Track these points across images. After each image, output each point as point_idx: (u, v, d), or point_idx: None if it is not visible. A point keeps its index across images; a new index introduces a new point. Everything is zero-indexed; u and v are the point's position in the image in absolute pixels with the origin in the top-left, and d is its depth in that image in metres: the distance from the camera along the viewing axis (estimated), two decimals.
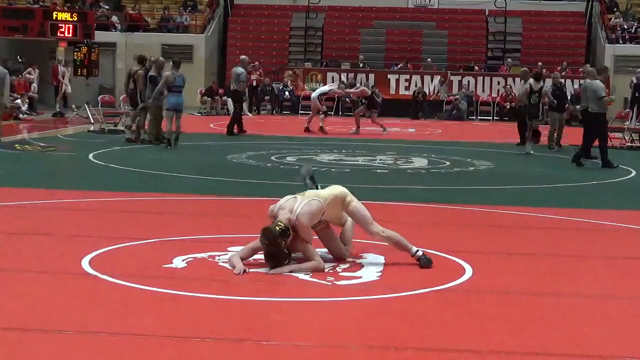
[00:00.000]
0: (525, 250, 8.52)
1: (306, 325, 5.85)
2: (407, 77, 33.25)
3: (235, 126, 22.23)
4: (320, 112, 24.01)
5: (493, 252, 8.42)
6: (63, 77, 28.64)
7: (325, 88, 25.45)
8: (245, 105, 31.04)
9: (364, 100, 24.94)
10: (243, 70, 22.53)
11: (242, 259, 7.35)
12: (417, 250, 7.64)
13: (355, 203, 7.70)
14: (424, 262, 7.56)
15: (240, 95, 22.68)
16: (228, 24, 36.45)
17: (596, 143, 16.81)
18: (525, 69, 24.55)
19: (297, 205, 7.39)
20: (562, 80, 22.69)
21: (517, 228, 10.02)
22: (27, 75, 28.11)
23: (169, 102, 18.26)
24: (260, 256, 7.69)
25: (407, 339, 5.55)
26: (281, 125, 26.94)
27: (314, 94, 24.57)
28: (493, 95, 32.19)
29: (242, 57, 23.52)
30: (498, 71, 33.65)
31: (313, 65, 34.45)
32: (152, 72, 19.07)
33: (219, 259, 7.63)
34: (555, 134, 20.33)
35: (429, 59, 34.35)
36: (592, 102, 16.62)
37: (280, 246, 7.22)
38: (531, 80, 19.32)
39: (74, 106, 27.97)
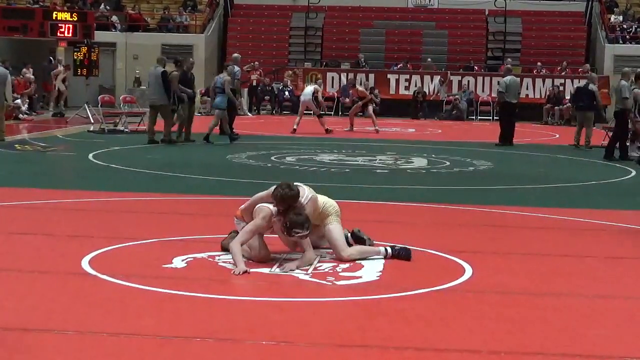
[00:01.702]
0: (524, 250, 8.53)
1: (306, 325, 5.85)
2: (407, 77, 33.24)
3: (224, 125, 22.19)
4: (316, 114, 24.10)
5: (493, 252, 8.42)
6: (56, 77, 28.68)
7: (311, 88, 25.26)
8: (245, 105, 31.12)
9: (356, 99, 25.12)
10: (239, 68, 22.54)
11: (242, 244, 7.40)
12: (388, 249, 7.77)
13: (333, 225, 7.76)
14: (404, 254, 7.70)
15: (234, 94, 22.65)
16: (228, 23, 36.44)
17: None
18: (508, 66, 24.81)
19: (307, 194, 7.64)
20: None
21: (516, 228, 10.02)
22: (27, 75, 28.09)
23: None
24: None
25: (407, 339, 5.55)
26: (281, 125, 26.92)
27: (308, 97, 24.38)
28: (493, 95, 32.16)
29: (235, 55, 23.51)
30: (498, 71, 33.59)
31: (313, 65, 34.44)
32: (162, 69, 19.37)
33: (218, 259, 7.63)
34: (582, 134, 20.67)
35: (428, 59, 34.34)
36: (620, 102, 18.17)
37: (296, 202, 7.38)
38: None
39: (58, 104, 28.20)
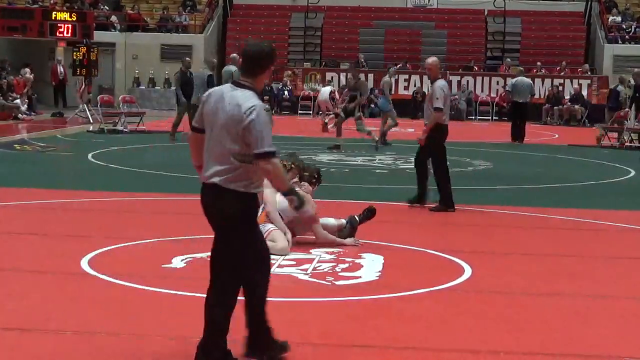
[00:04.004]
0: (524, 250, 8.53)
1: (305, 325, 5.84)
2: (406, 77, 33.23)
3: None
4: (332, 112, 24.30)
5: (492, 252, 8.42)
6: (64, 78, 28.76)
7: (328, 89, 25.58)
8: None
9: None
10: (236, 68, 22.57)
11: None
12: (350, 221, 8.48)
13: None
14: (370, 215, 8.53)
15: None
16: (227, 24, 36.43)
17: None
18: (520, 68, 25.10)
19: None
20: None
21: (515, 228, 10.02)
22: (27, 75, 28.06)
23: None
24: None
25: (406, 339, 5.55)
26: (280, 125, 26.88)
27: (324, 98, 24.75)
28: (492, 95, 32.19)
29: (233, 55, 23.61)
30: (497, 71, 33.65)
31: (312, 65, 34.44)
32: (210, 72, 20.11)
33: None
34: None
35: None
36: None
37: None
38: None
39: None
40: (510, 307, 6.41)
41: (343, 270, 7.36)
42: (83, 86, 27.24)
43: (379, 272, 7.34)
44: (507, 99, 22.45)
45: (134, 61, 33.44)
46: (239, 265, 4.90)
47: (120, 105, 24.49)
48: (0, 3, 32.00)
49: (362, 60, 34.05)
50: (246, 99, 4.69)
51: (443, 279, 7.09)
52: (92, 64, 27.03)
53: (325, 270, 7.32)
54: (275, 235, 7.99)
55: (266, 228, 8.02)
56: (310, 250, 8.05)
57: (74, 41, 28.20)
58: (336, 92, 25.47)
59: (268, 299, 6.58)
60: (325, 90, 25.15)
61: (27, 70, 27.89)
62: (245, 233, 4.84)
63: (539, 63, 33.33)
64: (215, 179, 4.73)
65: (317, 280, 6.99)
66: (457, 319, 6.00)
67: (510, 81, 22.27)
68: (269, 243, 7.86)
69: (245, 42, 4.96)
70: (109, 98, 25.00)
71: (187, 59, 21.81)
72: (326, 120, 23.68)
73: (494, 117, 31.74)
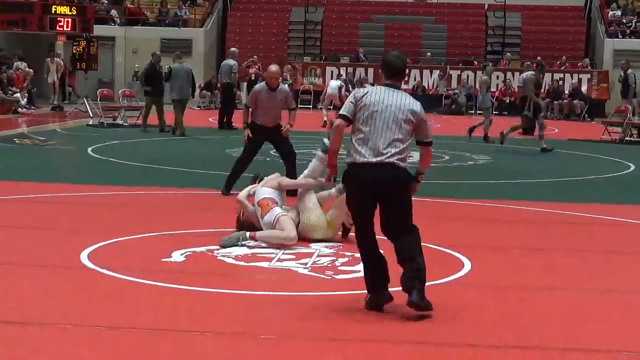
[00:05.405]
0: (523, 245, 8.54)
1: (305, 319, 5.85)
2: (406, 71, 33.15)
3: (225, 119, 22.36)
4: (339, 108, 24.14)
5: (492, 247, 8.43)
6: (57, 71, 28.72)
7: (337, 83, 25.33)
8: (244, 99, 31.12)
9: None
10: (235, 62, 22.57)
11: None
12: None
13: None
14: None
15: (232, 88, 22.76)
16: (227, 18, 36.42)
17: None
18: (527, 62, 25.10)
19: None
20: None
21: (515, 222, 10.02)
22: (26, 69, 28.03)
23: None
24: (258, 250, 7.72)
25: (405, 333, 5.56)
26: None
27: (334, 92, 24.47)
28: (492, 90, 32.12)
29: (232, 49, 23.75)
30: (497, 65, 33.62)
31: (312, 60, 34.41)
32: (190, 67, 20.98)
33: (217, 253, 7.64)
34: None
35: (428, 54, 34.31)
36: None
37: None
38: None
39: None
40: (509, 301, 6.42)
41: (343, 264, 7.37)
42: (56, 77, 27.54)
43: None
44: (517, 93, 22.41)
45: (133, 55, 33.42)
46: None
47: (120, 99, 24.49)
48: None
49: (362, 54, 34.02)
50: (414, 100, 6.14)
51: (442, 273, 7.09)
52: (92, 58, 27.00)
53: (325, 264, 7.33)
54: (284, 222, 7.96)
55: (275, 214, 8.03)
56: (310, 244, 8.06)
57: (73, 35, 28.16)
58: (344, 89, 24.93)
59: (270, 292, 6.62)
60: (334, 84, 24.87)
61: (24, 64, 27.85)
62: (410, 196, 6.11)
63: (539, 57, 33.27)
64: (393, 159, 5.95)
65: (316, 274, 7.00)
66: (456, 313, 6.00)
67: (521, 76, 22.17)
68: (275, 232, 7.87)
69: (387, 54, 6.22)
70: (109, 92, 24.98)
71: (157, 53, 22.19)
72: (325, 118, 23.59)
73: (494, 112, 31.68)
